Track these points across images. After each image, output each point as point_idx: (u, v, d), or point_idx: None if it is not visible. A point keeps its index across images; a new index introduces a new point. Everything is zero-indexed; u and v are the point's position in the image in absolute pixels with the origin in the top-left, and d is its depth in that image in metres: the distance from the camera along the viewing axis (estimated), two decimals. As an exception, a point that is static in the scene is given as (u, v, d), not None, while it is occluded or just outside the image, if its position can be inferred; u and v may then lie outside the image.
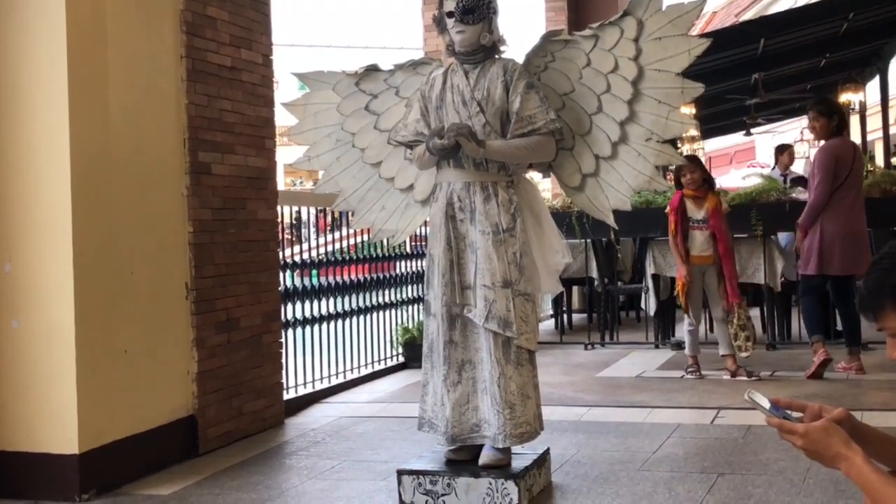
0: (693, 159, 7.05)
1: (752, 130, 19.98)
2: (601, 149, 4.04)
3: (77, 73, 4.12)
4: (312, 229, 6.85)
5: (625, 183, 4.03)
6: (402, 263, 7.89)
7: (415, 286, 7.91)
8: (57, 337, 4.09)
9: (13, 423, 4.16)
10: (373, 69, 4.32)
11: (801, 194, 8.02)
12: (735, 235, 7.46)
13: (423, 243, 7.29)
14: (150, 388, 4.50)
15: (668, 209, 6.70)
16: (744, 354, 6.50)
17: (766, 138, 25.68)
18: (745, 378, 6.40)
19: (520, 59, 4.03)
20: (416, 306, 7.87)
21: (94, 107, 4.22)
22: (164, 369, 4.61)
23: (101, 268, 4.23)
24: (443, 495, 3.82)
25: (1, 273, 4.18)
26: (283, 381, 5.67)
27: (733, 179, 17.54)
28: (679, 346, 7.66)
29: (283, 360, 5.67)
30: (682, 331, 6.88)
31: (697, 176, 6.57)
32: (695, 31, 7.01)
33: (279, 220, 5.64)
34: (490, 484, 3.76)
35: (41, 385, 4.12)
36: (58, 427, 4.09)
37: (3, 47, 4.17)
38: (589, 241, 8.35)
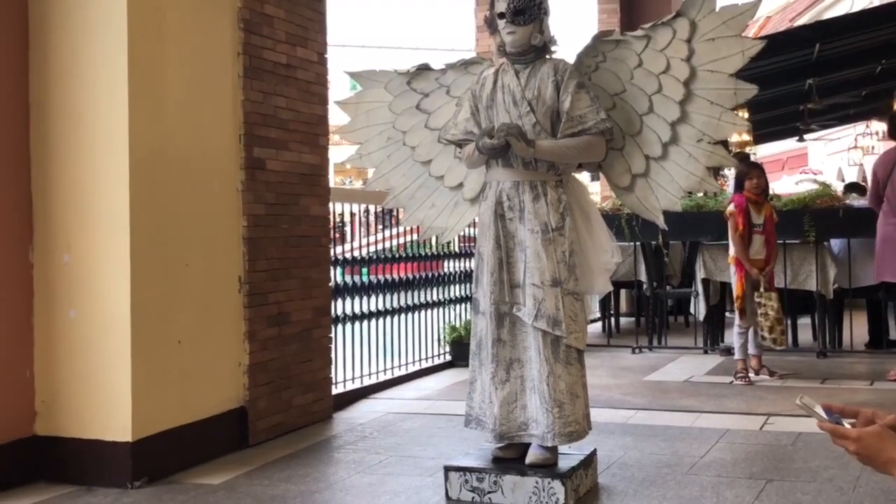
0: (758, 166, 7.06)
1: (806, 136, 19.71)
2: (652, 149, 4.03)
3: (136, 68, 4.19)
4: (359, 227, 6.89)
5: (675, 184, 4.02)
6: (450, 263, 7.93)
7: (462, 285, 7.95)
8: (113, 327, 4.17)
9: (69, 410, 4.25)
10: (424, 68, 4.35)
11: (854, 200, 7.95)
12: (787, 241, 7.41)
13: (471, 243, 7.33)
14: (202, 378, 4.58)
15: (731, 210, 6.60)
16: (780, 348, 6.65)
17: (818, 145, 25.32)
18: (768, 377, 6.65)
19: (571, 60, 4.04)
20: (463, 305, 7.90)
21: (152, 101, 4.30)
22: (216, 361, 4.68)
23: (157, 260, 4.30)
24: (489, 493, 3.84)
25: (59, 263, 4.27)
26: (332, 375, 5.73)
27: (786, 185, 17.33)
28: (728, 351, 7.61)
29: (333, 355, 5.72)
30: (732, 335, 6.82)
31: (763, 181, 6.66)
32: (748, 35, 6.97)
33: (331, 216, 5.70)
34: (537, 483, 3.77)
35: (97, 373, 4.20)
36: (112, 415, 4.17)
37: (66, 43, 4.26)
38: (638, 244, 8.31)
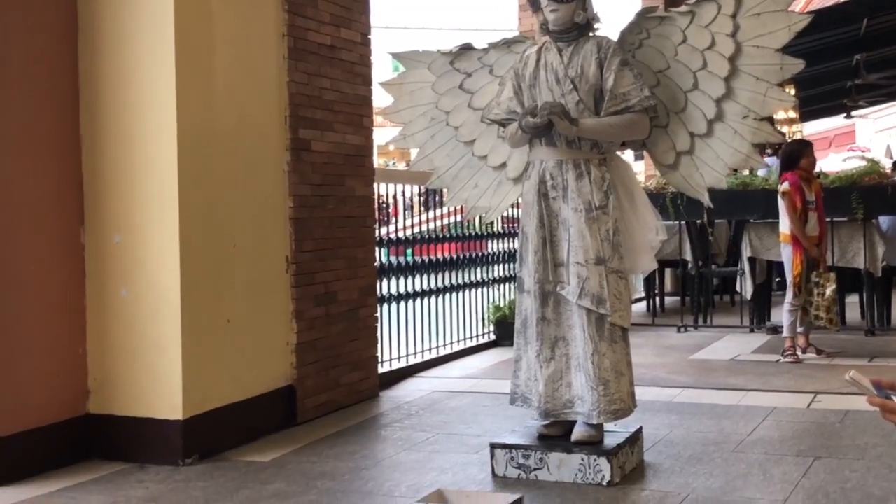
0: (810, 144, 6.99)
1: (853, 113, 19.41)
2: (697, 126, 4.01)
3: (183, 50, 4.24)
4: (403, 209, 6.92)
5: (720, 161, 3.99)
6: (494, 242, 7.95)
7: (506, 265, 7.97)
8: (164, 306, 4.23)
9: (121, 389, 4.32)
10: (467, 48, 4.35)
11: (904, 177, 7.85)
12: (835, 219, 7.33)
13: (514, 224, 7.33)
14: (251, 357, 4.64)
15: (786, 188, 6.51)
16: (835, 329, 6.71)
17: (866, 122, 24.92)
18: (815, 355, 6.64)
19: (614, 37, 4.02)
20: (507, 285, 7.92)
21: (199, 83, 4.35)
22: (264, 340, 4.74)
23: (206, 240, 4.36)
24: (535, 469, 3.86)
25: (111, 244, 4.34)
26: (378, 354, 5.78)
27: (833, 163, 17.09)
28: (775, 330, 7.56)
29: (378, 335, 5.77)
30: (782, 313, 6.75)
31: (815, 160, 6.68)
32: (794, 10, 6.89)
33: (375, 197, 5.74)
34: (582, 460, 3.79)
35: (148, 352, 4.27)
36: (163, 393, 4.24)
37: (114, 26, 4.32)
38: (683, 222, 8.26)
